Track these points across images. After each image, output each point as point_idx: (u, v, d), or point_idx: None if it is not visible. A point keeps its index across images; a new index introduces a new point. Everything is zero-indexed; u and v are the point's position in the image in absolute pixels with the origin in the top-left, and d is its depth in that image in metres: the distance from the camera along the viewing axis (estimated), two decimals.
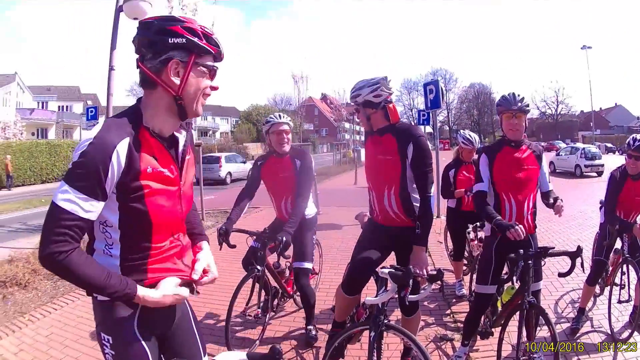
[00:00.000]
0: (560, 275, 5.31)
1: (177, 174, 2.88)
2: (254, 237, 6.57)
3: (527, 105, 5.60)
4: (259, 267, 6.29)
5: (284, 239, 6.20)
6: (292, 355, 6.61)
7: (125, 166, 2.56)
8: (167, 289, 2.80)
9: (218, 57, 2.92)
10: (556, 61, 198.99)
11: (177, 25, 2.71)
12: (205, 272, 3.14)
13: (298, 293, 7.46)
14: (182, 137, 2.98)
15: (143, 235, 2.75)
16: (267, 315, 6.78)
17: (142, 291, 2.68)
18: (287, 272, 7.48)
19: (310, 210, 6.91)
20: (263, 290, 6.73)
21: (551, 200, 5.59)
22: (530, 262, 5.20)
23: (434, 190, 5.25)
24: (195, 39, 2.74)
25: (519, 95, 5.59)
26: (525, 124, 5.68)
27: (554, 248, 5.26)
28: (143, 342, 2.77)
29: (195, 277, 3.07)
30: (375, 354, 4.56)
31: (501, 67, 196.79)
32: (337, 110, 75.76)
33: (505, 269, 5.94)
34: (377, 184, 5.44)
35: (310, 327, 6.96)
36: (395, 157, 5.21)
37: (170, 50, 2.70)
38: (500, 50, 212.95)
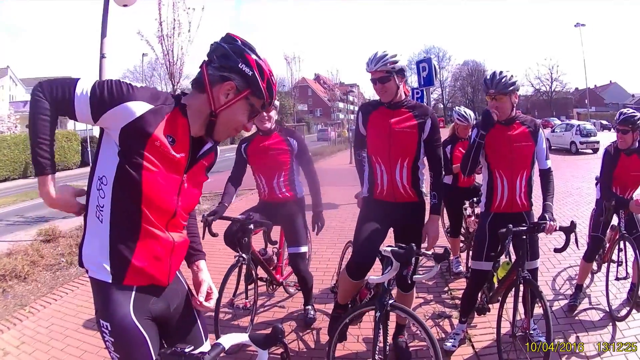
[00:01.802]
0: (556, 250, 5.40)
1: (184, 165, 2.88)
2: (239, 224, 6.32)
3: (511, 85, 5.54)
4: (244, 256, 6.13)
5: (320, 222, 6.74)
6: (292, 337, 6.61)
7: (137, 119, 2.64)
8: (66, 192, 2.84)
9: (265, 104, 2.99)
10: (550, 39, 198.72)
11: (253, 58, 2.82)
12: (209, 294, 3.22)
13: (287, 281, 7.58)
14: (209, 145, 3.04)
15: (132, 206, 2.72)
16: (255, 305, 6.62)
17: (50, 179, 2.73)
18: (275, 259, 7.37)
19: (300, 189, 6.82)
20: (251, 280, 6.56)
21: (546, 216, 5.43)
22: (524, 237, 5.23)
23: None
24: (259, 79, 2.83)
25: (500, 74, 5.57)
26: (512, 102, 5.66)
27: (546, 223, 5.28)
28: (141, 328, 2.75)
29: (202, 298, 3.15)
30: (381, 334, 4.61)
31: (495, 45, 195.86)
32: (331, 90, 75.36)
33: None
34: (390, 157, 5.41)
35: (308, 307, 6.95)
36: (414, 131, 5.36)
37: (235, 73, 2.79)
38: (493, 28, 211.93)
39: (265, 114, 6.35)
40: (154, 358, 2.77)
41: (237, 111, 2.89)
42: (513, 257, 5.90)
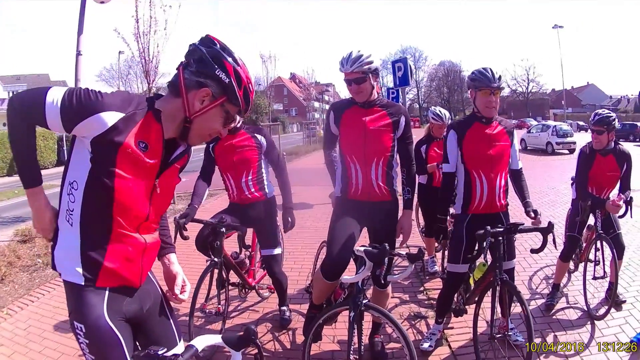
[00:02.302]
0: (533, 251, 5.33)
1: (156, 170, 2.86)
2: (210, 227, 6.20)
3: (501, 82, 5.54)
4: (216, 259, 6.01)
5: (290, 219, 6.59)
6: (268, 338, 6.55)
7: (109, 129, 2.59)
8: (45, 215, 2.85)
9: (241, 112, 2.97)
10: (527, 40, 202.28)
11: (231, 64, 2.78)
12: (182, 286, 3.26)
13: (260, 284, 7.49)
14: (183, 147, 3.03)
15: (103, 211, 2.70)
16: (226, 310, 6.49)
17: (37, 193, 2.82)
18: (248, 262, 7.20)
19: (270, 189, 6.69)
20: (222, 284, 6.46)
21: (531, 214, 5.49)
22: (500, 238, 5.19)
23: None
24: (236, 88, 2.80)
25: (496, 72, 5.52)
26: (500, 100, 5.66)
27: (524, 224, 5.25)
28: (115, 329, 2.73)
29: (177, 291, 3.21)
30: (355, 334, 4.60)
31: (471, 46, 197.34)
32: (307, 90, 75.59)
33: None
34: (365, 156, 5.38)
35: (284, 307, 6.89)
36: (389, 129, 5.40)
37: (212, 79, 2.76)
38: (470, 29, 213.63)
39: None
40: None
41: (212, 118, 2.87)
42: (488, 258, 5.85)
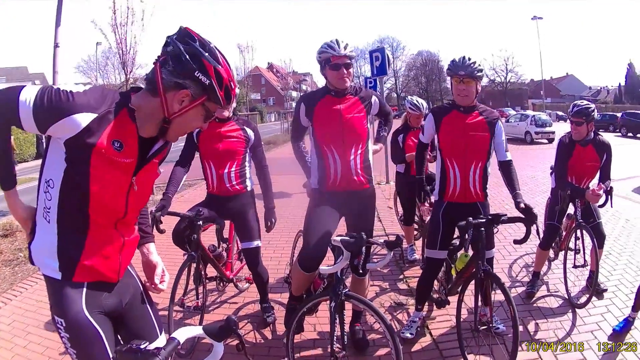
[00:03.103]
0: (516, 242, 5.34)
1: (133, 168, 2.81)
2: (187, 220, 6.10)
3: (479, 71, 5.54)
4: (193, 253, 5.95)
5: (273, 220, 6.47)
6: (249, 328, 6.52)
7: (82, 131, 2.54)
8: (17, 216, 2.88)
9: (223, 106, 2.88)
10: (506, 31, 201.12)
11: (211, 65, 2.67)
12: (162, 276, 3.27)
13: (237, 277, 7.42)
14: (161, 143, 2.95)
15: (80, 210, 2.68)
16: (204, 304, 6.43)
17: (9, 196, 2.80)
18: (225, 255, 7.13)
19: (251, 182, 6.58)
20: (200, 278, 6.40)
21: (521, 205, 5.32)
22: (482, 229, 5.19)
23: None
24: (217, 88, 2.71)
25: (469, 60, 5.53)
26: (477, 89, 5.63)
27: (506, 215, 5.25)
28: (94, 323, 2.72)
29: (157, 280, 3.26)
30: (337, 324, 4.62)
31: (450, 36, 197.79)
32: (284, 79, 75.55)
33: (457, 235, 5.97)
34: (344, 145, 5.41)
35: (265, 305, 6.79)
36: (363, 114, 5.50)
37: (191, 80, 2.66)
38: (449, 19, 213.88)
39: None
40: (110, 354, 2.73)
41: (192, 117, 2.81)
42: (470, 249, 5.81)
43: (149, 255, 3.32)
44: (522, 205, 5.24)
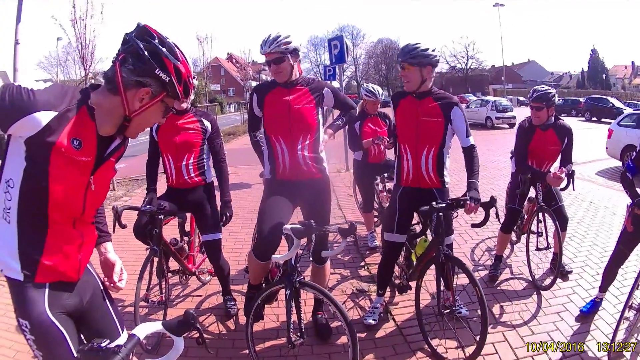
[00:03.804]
0: (474, 225, 5.40)
1: (91, 167, 2.78)
2: (147, 215, 6.03)
3: (422, 57, 5.45)
4: (155, 247, 5.86)
5: (229, 213, 6.42)
6: (211, 320, 6.48)
7: (42, 129, 2.52)
8: None
9: (182, 103, 2.81)
10: (468, 18, 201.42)
11: (171, 62, 2.68)
12: (120, 274, 3.24)
13: (200, 269, 7.37)
14: (119, 139, 2.93)
15: (39, 209, 2.65)
16: (167, 298, 6.33)
17: None
18: (187, 248, 7.05)
19: (209, 174, 6.57)
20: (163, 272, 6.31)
21: (467, 198, 5.32)
22: (441, 214, 5.24)
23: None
24: (176, 84, 2.72)
25: (415, 45, 5.52)
26: (422, 75, 5.55)
27: (466, 199, 5.23)
28: (58, 324, 2.70)
29: (116, 278, 3.22)
30: (293, 311, 4.71)
31: (410, 24, 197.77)
32: (244, 70, 75.54)
33: (416, 220, 6.21)
34: (291, 135, 5.42)
35: (228, 297, 6.77)
36: (312, 105, 5.47)
37: (151, 78, 2.66)
38: (410, 7, 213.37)
39: None
40: (74, 354, 2.72)
41: (152, 114, 2.81)
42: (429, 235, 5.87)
43: (106, 253, 3.29)
44: (467, 196, 5.28)
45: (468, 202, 5.19)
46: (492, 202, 5.14)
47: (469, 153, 5.62)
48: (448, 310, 5.43)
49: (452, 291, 5.52)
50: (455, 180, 5.57)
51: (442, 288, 5.38)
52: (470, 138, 5.65)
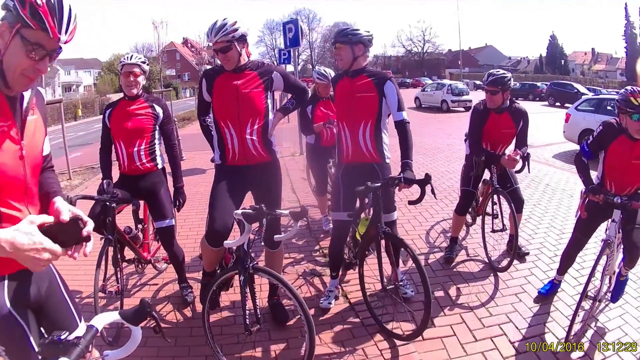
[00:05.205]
0: (410, 202, 5.45)
1: (17, 133, 2.60)
2: (101, 203, 5.92)
3: (352, 35, 5.68)
4: (110, 237, 5.80)
5: (182, 199, 6.50)
6: (169, 309, 6.44)
7: None
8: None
9: (53, 36, 2.49)
10: (425, 2, 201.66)
11: None
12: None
13: (155, 257, 7.35)
14: (27, 94, 2.71)
15: None
16: (123, 288, 6.29)
17: None
18: (141, 236, 7.04)
19: (161, 160, 6.53)
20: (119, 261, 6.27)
21: (401, 178, 5.39)
22: (378, 192, 5.35)
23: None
24: (19, 7, 2.38)
25: (347, 27, 5.95)
26: (355, 54, 5.74)
27: (401, 177, 5.31)
28: (18, 318, 2.66)
29: (65, 218, 2.61)
30: (248, 297, 4.74)
31: (366, 8, 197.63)
32: (199, 54, 75.29)
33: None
34: (239, 120, 5.41)
35: (184, 284, 6.75)
36: (260, 89, 5.42)
37: (4, 9, 2.43)
38: None
39: (132, 78, 6.09)
40: (35, 347, 2.68)
41: (15, 51, 2.47)
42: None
43: (54, 204, 2.79)
44: (402, 176, 5.36)
45: (402, 182, 5.30)
46: (427, 179, 5.23)
47: (402, 128, 5.70)
48: (392, 287, 5.61)
49: (394, 268, 5.72)
50: (396, 157, 5.60)
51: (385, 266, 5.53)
52: (403, 113, 5.73)
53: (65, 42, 2.55)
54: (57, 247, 2.41)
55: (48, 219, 2.51)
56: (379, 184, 5.32)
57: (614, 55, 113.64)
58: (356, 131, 5.82)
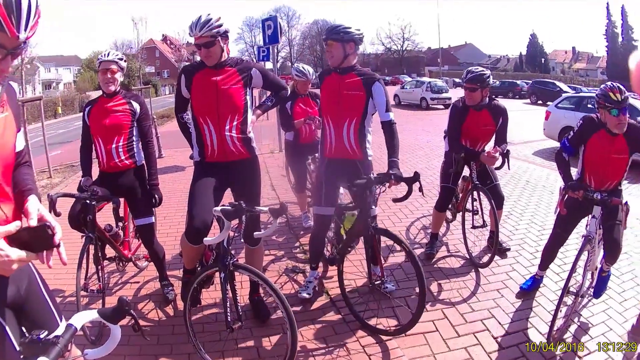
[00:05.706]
0: (395, 200, 5.52)
1: None
2: (82, 201, 5.88)
3: (344, 33, 5.72)
4: (91, 235, 5.77)
5: (158, 196, 6.39)
6: (150, 307, 6.40)
7: None
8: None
9: (11, 35, 2.39)
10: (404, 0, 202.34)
11: None
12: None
13: (136, 255, 7.31)
14: None
15: None
16: (104, 286, 6.26)
17: None
18: (122, 234, 6.97)
19: (140, 157, 6.47)
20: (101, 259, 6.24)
21: (391, 176, 5.41)
22: (366, 189, 5.38)
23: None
24: None
25: (339, 24, 5.85)
26: (346, 51, 5.80)
27: (391, 175, 5.33)
28: None
29: (33, 223, 2.61)
30: (229, 294, 4.73)
31: (346, 5, 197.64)
32: (178, 51, 75.06)
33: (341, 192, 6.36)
34: (218, 116, 5.39)
35: (165, 282, 6.73)
36: (239, 86, 5.43)
37: None
38: None
39: (109, 75, 6.07)
40: (17, 347, 2.63)
41: None
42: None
43: (26, 202, 2.82)
44: (391, 174, 5.38)
45: (392, 179, 5.31)
46: (416, 177, 5.28)
47: (389, 128, 5.78)
48: (378, 281, 5.67)
49: (381, 264, 5.77)
50: (379, 155, 5.64)
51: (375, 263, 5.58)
52: (390, 114, 5.82)
53: (27, 39, 2.48)
54: (22, 254, 2.38)
55: (10, 228, 2.43)
56: (364, 181, 5.33)
57: (595, 54, 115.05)
58: (341, 127, 5.89)
